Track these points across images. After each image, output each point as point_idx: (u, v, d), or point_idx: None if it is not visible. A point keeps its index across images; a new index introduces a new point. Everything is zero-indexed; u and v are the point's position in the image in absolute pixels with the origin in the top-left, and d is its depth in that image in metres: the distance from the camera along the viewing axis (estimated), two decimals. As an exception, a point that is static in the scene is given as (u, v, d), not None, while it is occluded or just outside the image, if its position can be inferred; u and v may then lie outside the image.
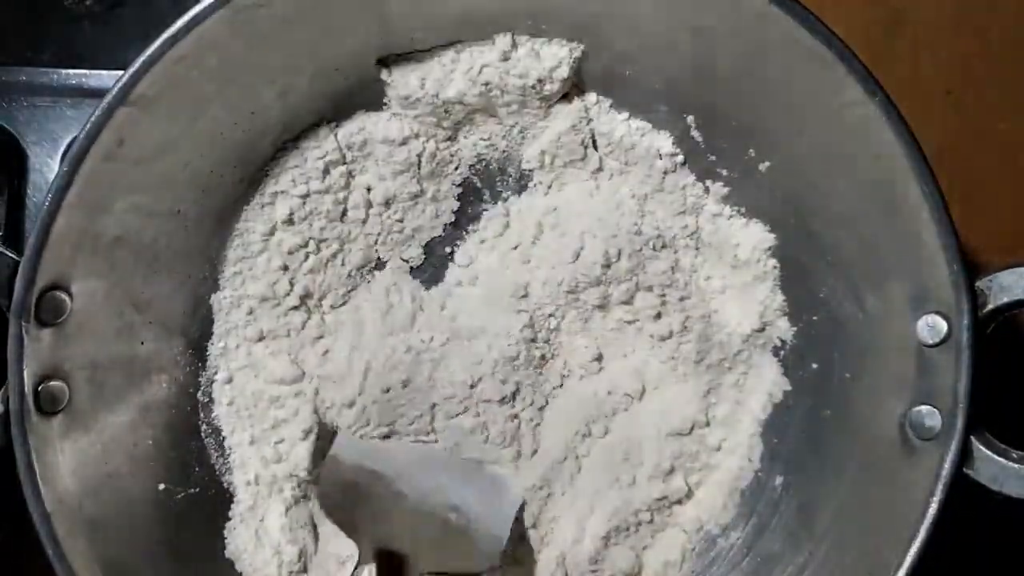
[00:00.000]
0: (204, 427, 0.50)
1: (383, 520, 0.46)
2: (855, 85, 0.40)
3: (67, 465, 0.42)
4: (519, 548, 0.49)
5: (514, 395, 0.49)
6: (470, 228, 0.52)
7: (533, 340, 0.50)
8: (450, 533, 0.47)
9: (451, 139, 0.51)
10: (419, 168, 0.50)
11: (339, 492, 0.47)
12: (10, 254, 0.40)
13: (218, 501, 0.49)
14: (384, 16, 0.45)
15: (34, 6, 0.56)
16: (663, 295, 0.49)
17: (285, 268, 0.50)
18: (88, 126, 0.40)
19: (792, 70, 0.42)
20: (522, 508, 0.48)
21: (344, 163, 0.50)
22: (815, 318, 0.48)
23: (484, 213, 0.52)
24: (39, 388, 0.41)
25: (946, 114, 0.54)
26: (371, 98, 0.49)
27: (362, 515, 0.46)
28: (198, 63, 0.42)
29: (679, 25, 0.44)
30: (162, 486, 0.47)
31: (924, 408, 0.40)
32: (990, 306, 0.39)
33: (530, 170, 0.51)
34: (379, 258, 0.52)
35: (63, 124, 0.53)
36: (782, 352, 0.49)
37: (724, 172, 0.49)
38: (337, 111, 0.49)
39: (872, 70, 0.39)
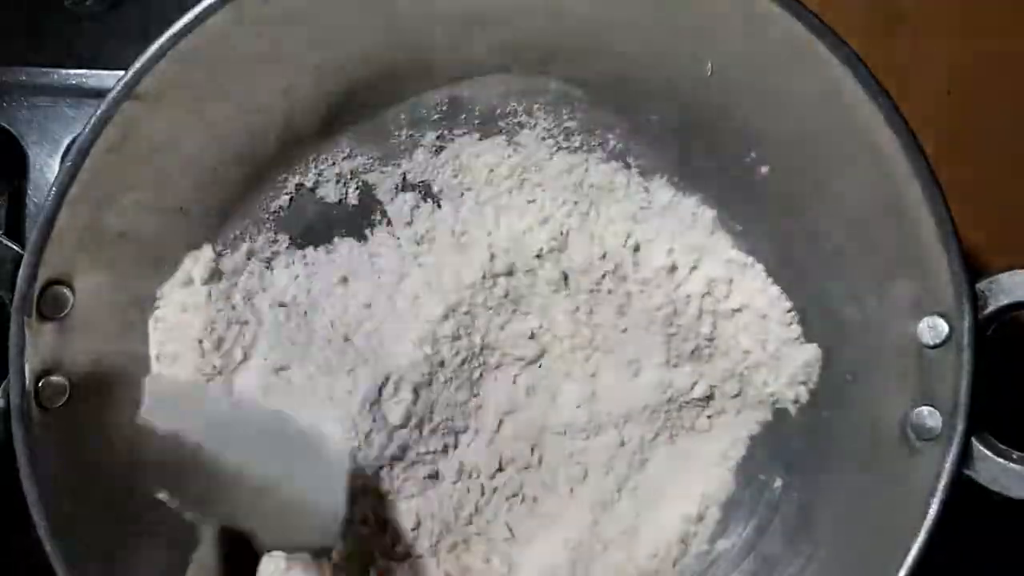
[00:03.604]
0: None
1: (218, 496, 0.43)
2: (856, 85, 0.40)
3: (67, 461, 0.42)
4: (377, 508, 0.45)
5: None
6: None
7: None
8: (288, 506, 0.43)
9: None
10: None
11: (164, 467, 0.42)
12: (14, 247, 0.40)
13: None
14: (391, 15, 0.45)
15: (34, 6, 0.56)
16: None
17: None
18: (93, 120, 0.40)
19: (792, 70, 0.42)
20: (351, 477, 0.44)
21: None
22: (815, 319, 0.48)
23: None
24: (40, 383, 0.41)
25: (946, 114, 0.54)
26: (376, 97, 0.49)
27: (196, 492, 0.43)
28: (203, 59, 0.41)
29: (679, 26, 0.44)
30: (162, 483, 0.47)
31: (925, 409, 0.40)
32: (991, 308, 0.39)
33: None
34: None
35: (63, 124, 0.53)
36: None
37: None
38: (342, 109, 0.49)
39: (872, 70, 0.39)
